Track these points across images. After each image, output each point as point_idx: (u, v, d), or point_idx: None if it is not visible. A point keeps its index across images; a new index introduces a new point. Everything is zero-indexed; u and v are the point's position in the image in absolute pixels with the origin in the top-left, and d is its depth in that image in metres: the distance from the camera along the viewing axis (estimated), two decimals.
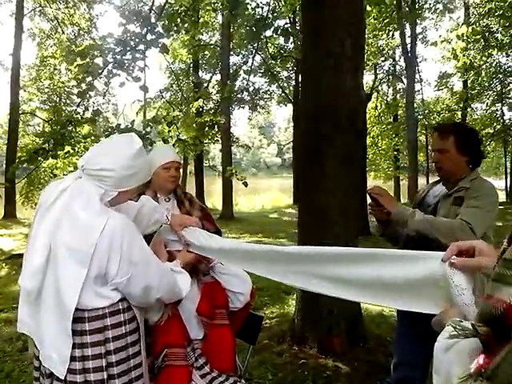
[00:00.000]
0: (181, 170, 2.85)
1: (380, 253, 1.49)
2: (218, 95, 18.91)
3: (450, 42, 22.17)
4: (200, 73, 21.86)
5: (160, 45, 4.98)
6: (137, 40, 4.93)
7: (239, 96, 20.75)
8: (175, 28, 5.51)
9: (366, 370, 3.49)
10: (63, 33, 18.97)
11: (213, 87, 21.15)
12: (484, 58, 21.86)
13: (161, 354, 2.08)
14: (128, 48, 5.04)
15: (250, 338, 2.49)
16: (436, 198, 2.26)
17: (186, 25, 5.47)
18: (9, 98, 16.35)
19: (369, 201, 2.23)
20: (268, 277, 1.83)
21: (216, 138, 17.69)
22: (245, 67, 16.33)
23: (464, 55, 19.31)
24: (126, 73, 5.02)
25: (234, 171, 5.91)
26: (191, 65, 21.38)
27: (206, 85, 21.13)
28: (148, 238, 2.30)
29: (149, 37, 5.00)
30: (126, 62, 5.04)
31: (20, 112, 17.78)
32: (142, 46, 5.24)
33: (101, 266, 1.65)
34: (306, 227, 3.93)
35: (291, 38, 6.11)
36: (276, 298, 5.52)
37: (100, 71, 5.06)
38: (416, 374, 2.35)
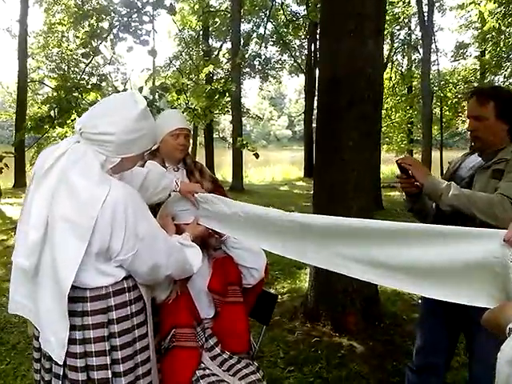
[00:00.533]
0: (191, 139, 2.66)
1: (418, 229, 1.29)
2: (228, 64, 18.54)
3: (468, 10, 21.42)
4: (210, 41, 21.37)
5: (168, 5, 4.70)
6: (143, 1, 4.66)
7: (250, 65, 20.27)
8: None
9: (382, 350, 3.36)
10: None
11: (223, 55, 20.69)
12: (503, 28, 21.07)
13: (168, 334, 1.94)
14: (134, 10, 4.77)
15: (262, 318, 2.33)
16: (470, 170, 2.04)
17: None
18: (17, 66, 16.11)
19: (396, 172, 2.03)
20: (285, 255, 1.67)
21: (226, 109, 17.47)
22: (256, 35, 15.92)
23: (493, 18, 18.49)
24: (133, 36, 4.77)
25: (244, 142, 5.69)
26: (201, 32, 20.88)
27: (216, 53, 20.67)
28: (154, 210, 2.15)
29: None
30: (132, 24, 4.77)
31: (28, 80, 17.53)
32: (149, 8, 4.97)
33: (103, 240, 1.47)
34: (320, 202, 3.75)
35: None
36: (287, 273, 5.38)
37: (106, 35, 4.81)
38: (439, 361, 2.20)
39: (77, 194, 1.45)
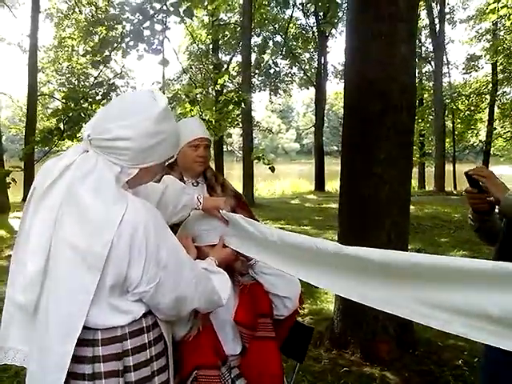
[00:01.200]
0: (211, 150, 2.40)
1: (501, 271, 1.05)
2: (239, 77, 18.42)
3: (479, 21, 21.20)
4: (220, 54, 21.31)
5: (181, 13, 4.48)
6: (156, 8, 4.46)
7: (265, 73, 20.12)
8: None
9: (419, 382, 3.05)
10: (81, 13, 18.54)
11: (233, 69, 20.59)
12: None
13: (190, 376, 1.65)
14: (147, 18, 4.57)
15: (296, 354, 2.04)
16: None
17: None
18: (27, 80, 16.07)
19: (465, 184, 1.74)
20: (334, 292, 1.40)
21: (236, 122, 17.28)
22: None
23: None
24: (146, 44, 4.56)
25: (261, 155, 5.45)
26: (210, 46, 20.83)
27: (225, 66, 20.58)
28: (173, 229, 1.88)
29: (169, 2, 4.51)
30: (144, 32, 4.57)
31: (38, 94, 17.49)
32: (161, 16, 4.78)
33: (119, 270, 1.21)
34: (349, 218, 3.45)
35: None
36: (307, 292, 5.05)
37: (116, 43, 4.61)
38: None
39: (87, 214, 1.19)
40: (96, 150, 1.27)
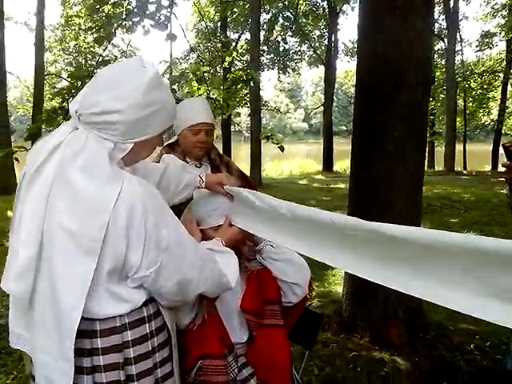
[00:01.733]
0: (214, 133, 2.31)
1: None
2: (247, 55, 18.14)
3: None
4: (228, 32, 20.97)
5: None
6: None
7: (274, 50, 19.81)
8: None
9: (430, 368, 2.98)
10: None
11: (241, 46, 20.27)
12: None
13: (194, 366, 1.58)
14: None
15: (305, 341, 1.99)
16: None
17: None
18: (34, 60, 15.95)
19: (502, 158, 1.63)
20: (356, 273, 1.31)
21: (244, 101, 17.09)
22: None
23: None
24: (151, 19, 4.42)
25: (269, 134, 5.33)
26: (219, 24, 20.49)
27: (234, 44, 20.26)
28: (179, 210, 1.80)
29: None
30: (149, 7, 4.43)
31: (45, 73, 17.38)
32: None
33: (117, 254, 1.14)
34: (359, 198, 3.35)
35: None
36: (314, 274, 4.99)
37: (121, 19, 4.48)
38: None
39: (79, 196, 1.11)
40: (86, 127, 1.19)
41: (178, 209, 1.73)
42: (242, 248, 1.83)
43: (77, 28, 19.45)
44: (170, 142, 2.27)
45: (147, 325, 1.26)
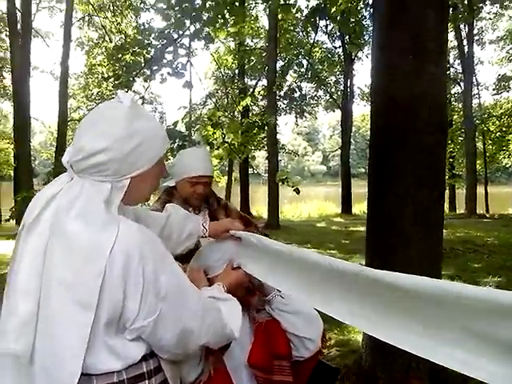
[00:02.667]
0: (212, 183, 2.30)
1: None
2: (264, 101, 18.50)
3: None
4: (245, 79, 21.53)
5: (204, 35, 4.48)
6: (179, 32, 4.46)
7: (289, 96, 20.17)
8: (221, 20, 5.00)
9: None
10: (111, 41, 19.11)
11: (258, 92, 20.74)
12: None
13: None
14: (170, 42, 4.58)
15: None
16: None
17: (232, 16, 4.94)
18: (57, 107, 16.56)
19: None
20: (370, 333, 1.24)
21: (262, 145, 17.29)
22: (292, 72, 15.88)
23: None
24: (168, 67, 4.55)
25: (285, 177, 5.33)
26: (236, 71, 21.10)
27: (251, 90, 20.75)
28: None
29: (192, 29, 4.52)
30: (166, 56, 4.57)
31: (68, 119, 17.97)
32: (185, 40, 4.78)
33: (114, 304, 1.07)
34: (376, 243, 3.26)
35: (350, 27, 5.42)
36: (333, 321, 4.82)
37: (140, 67, 4.62)
38: None
39: (73, 244, 1.06)
40: (80, 175, 1.15)
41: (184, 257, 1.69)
42: (250, 298, 1.76)
43: (100, 76, 20.23)
44: (169, 185, 2.27)
45: (147, 381, 1.18)
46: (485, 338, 0.98)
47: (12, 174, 17.78)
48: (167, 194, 2.20)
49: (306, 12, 5.93)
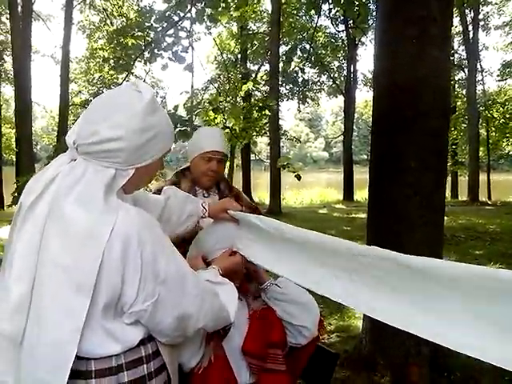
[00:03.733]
0: (226, 165, 2.28)
1: None
2: (266, 86, 18.36)
3: None
4: (248, 63, 21.34)
5: (206, 17, 4.39)
6: (180, 14, 4.38)
7: (293, 80, 20.02)
8: (223, 4, 4.92)
9: None
10: (112, 25, 18.90)
11: (261, 77, 20.57)
12: None
13: None
14: (171, 24, 4.50)
15: (319, 381, 1.86)
16: None
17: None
18: (59, 91, 16.46)
19: None
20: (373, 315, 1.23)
21: (264, 131, 17.21)
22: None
23: None
24: (170, 52, 4.49)
25: (286, 163, 5.30)
26: (239, 56, 20.90)
27: (254, 75, 20.58)
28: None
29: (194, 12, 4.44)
30: (168, 40, 4.51)
31: (70, 104, 17.88)
32: (186, 23, 4.70)
33: (112, 288, 1.07)
34: (378, 230, 3.25)
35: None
36: (333, 307, 4.83)
37: (140, 50, 4.56)
38: None
39: (72, 228, 1.06)
40: (85, 157, 1.14)
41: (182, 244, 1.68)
42: (248, 285, 1.76)
43: (101, 60, 20.08)
44: (182, 167, 2.25)
45: (145, 366, 1.18)
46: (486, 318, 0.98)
47: (14, 159, 17.75)
48: (176, 175, 2.17)
49: None
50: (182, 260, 1.24)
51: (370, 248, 1.26)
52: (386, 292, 1.21)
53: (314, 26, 10.00)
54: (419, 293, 1.12)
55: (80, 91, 20.93)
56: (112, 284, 1.07)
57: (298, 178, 5.58)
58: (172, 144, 1.32)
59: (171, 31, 4.58)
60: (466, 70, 21.16)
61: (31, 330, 1.07)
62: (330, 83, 23.64)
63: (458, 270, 1.03)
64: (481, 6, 19.86)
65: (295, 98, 22.88)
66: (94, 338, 1.10)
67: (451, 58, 21.66)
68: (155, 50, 4.66)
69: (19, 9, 14.87)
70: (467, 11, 19.74)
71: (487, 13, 22.34)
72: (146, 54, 4.70)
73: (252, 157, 21.36)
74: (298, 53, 17.41)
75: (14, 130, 16.55)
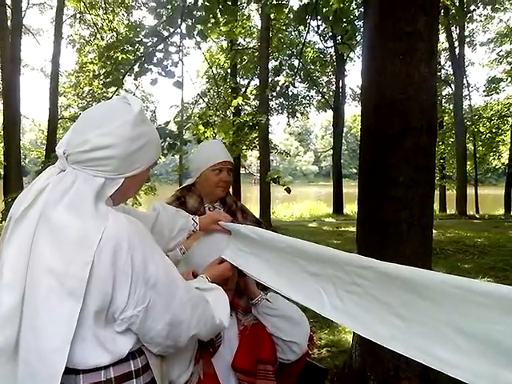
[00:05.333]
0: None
1: None
2: (256, 100, 18.48)
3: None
4: (238, 78, 21.47)
5: (196, 34, 4.43)
6: (170, 30, 4.41)
7: (283, 94, 20.17)
8: (213, 20, 4.97)
9: None
10: (102, 39, 18.96)
11: (250, 92, 20.71)
12: None
13: None
14: (161, 39, 4.53)
15: None
16: None
17: (225, 15, 4.90)
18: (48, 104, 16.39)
19: None
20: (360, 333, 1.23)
21: (254, 144, 17.25)
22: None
23: None
24: (160, 67, 4.51)
25: (276, 176, 5.32)
26: (228, 70, 21.04)
27: (243, 90, 20.71)
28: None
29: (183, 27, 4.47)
30: (157, 55, 4.53)
31: (59, 117, 17.81)
32: (176, 38, 4.73)
33: (103, 294, 1.07)
34: (367, 245, 3.25)
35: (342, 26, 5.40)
36: (323, 322, 4.81)
37: (130, 65, 4.57)
38: None
39: (62, 234, 1.07)
40: (75, 167, 1.16)
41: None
42: (239, 300, 1.75)
43: (91, 74, 20.07)
44: (186, 184, 2.25)
45: (134, 380, 1.17)
46: (474, 336, 0.98)
47: (2, 173, 17.57)
48: (181, 191, 2.18)
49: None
50: (172, 266, 1.25)
51: (369, 259, 1.27)
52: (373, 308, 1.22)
53: (303, 41, 10.09)
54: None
55: (70, 105, 20.86)
56: (103, 289, 1.08)
57: (288, 191, 5.60)
58: (159, 156, 1.34)
59: (161, 46, 4.61)
60: (452, 85, 21.51)
61: (26, 341, 1.06)
62: (319, 98, 23.85)
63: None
64: (466, 23, 20.27)
65: (285, 112, 23.05)
66: (84, 347, 1.09)
67: (438, 74, 22.06)
68: (145, 65, 4.69)
69: (8, 22, 14.86)
70: (453, 28, 20.15)
71: (472, 30, 22.81)
72: (136, 69, 4.71)
73: (242, 170, 21.36)
74: (287, 70, 17.55)
75: (2, 144, 16.41)
